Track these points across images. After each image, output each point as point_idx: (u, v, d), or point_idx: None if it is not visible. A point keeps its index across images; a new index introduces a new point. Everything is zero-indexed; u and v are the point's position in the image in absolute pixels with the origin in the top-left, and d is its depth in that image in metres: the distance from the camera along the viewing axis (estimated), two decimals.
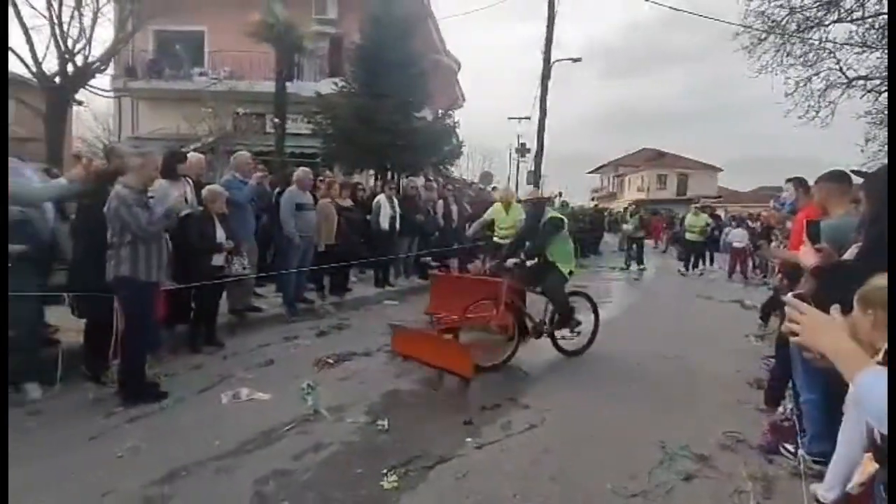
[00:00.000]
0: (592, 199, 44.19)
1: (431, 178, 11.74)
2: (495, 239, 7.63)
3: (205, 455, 3.05)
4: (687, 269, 13.40)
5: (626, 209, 13.59)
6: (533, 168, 16.68)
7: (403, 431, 3.51)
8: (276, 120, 11.50)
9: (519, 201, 8.22)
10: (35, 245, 3.81)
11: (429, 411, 3.94)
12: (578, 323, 5.38)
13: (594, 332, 5.51)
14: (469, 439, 3.44)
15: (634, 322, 7.47)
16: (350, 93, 12.36)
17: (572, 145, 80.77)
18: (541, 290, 5.26)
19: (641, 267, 13.84)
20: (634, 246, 14.10)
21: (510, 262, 5.13)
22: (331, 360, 4.86)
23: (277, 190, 6.95)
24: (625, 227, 13.71)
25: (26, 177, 4.15)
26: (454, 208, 10.12)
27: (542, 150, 15.81)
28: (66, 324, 4.35)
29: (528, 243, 5.30)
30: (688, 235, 13.71)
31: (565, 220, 5.41)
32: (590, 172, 55.46)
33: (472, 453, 3.27)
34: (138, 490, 2.68)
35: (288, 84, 12.65)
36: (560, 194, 17.32)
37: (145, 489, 2.70)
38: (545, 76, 15.29)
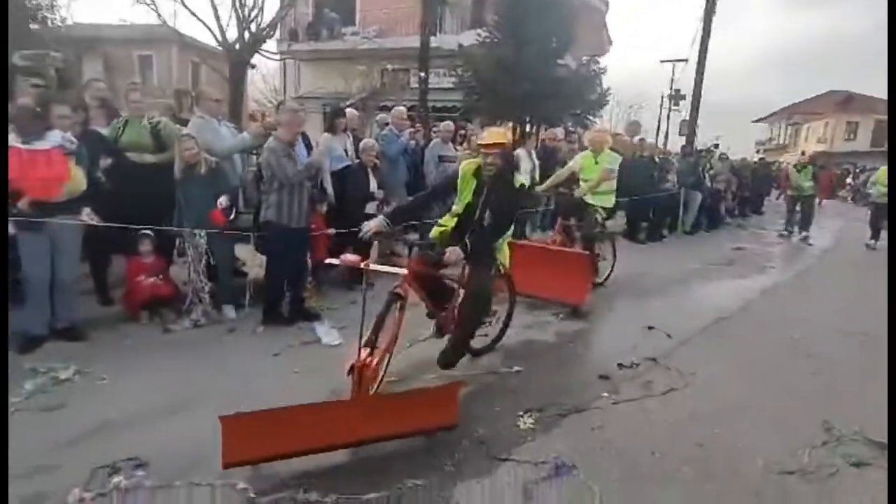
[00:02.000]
0: (758, 152, 38.81)
1: (573, 130, 11.28)
2: (576, 194, 5.81)
3: None
4: (875, 240, 9.87)
5: (797, 163, 11.02)
6: (687, 117, 15.11)
7: (538, 379, 3.61)
8: (421, 74, 11.81)
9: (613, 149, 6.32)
10: (228, 192, 4.51)
11: (563, 363, 3.98)
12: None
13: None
14: (605, 394, 3.43)
15: (812, 292, 6.61)
16: (492, 43, 12.19)
17: (736, 91, 70.74)
18: None
19: (804, 234, 10.46)
20: (801, 206, 10.73)
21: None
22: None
23: (425, 143, 7.26)
24: (793, 181, 10.80)
25: (222, 134, 4.88)
26: None
27: (699, 96, 14.20)
28: (252, 259, 5.11)
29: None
30: (876, 197, 9.95)
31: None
32: (756, 121, 48.53)
33: (609, 408, 3.26)
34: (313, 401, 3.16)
35: (432, 38, 12.84)
36: (716, 146, 15.45)
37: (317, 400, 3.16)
38: (709, 11, 13.51)
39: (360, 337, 2.77)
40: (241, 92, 13.00)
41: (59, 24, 12.67)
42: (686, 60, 20.72)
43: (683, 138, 16.15)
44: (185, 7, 12.62)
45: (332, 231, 5.04)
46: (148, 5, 12.83)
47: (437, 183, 3.87)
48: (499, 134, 3.51)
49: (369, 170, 5.45)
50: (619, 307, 5.43)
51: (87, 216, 3.84)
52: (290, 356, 3.86)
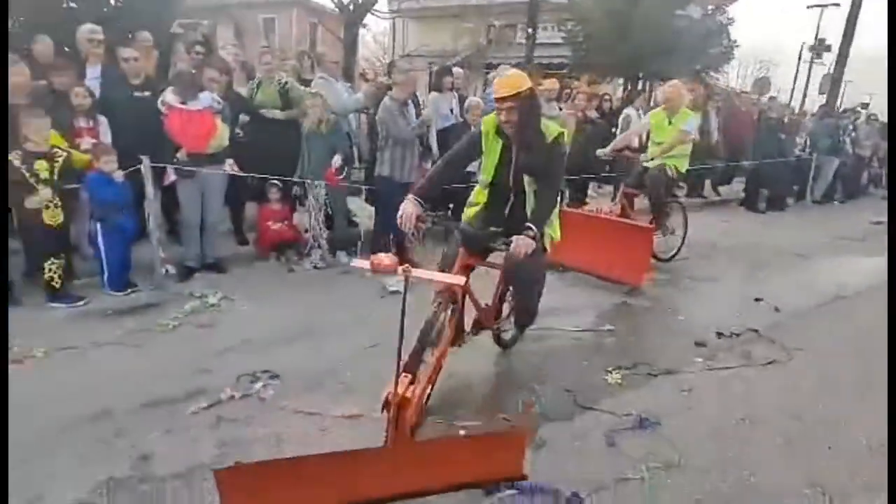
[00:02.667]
0: None
1: (690, 88, 10.44)
2: (641, 158, 5.20)
3: None
4: None
5: None
6: (832, 71, 13.29)
7: (630, 340, 3.67)
8: (529, 30, 11.53)
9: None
10: (344, 147, 4.91)
11: (658, 327, 3.98)
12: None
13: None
14: (699, 360, 3.41)
15: None
16: None
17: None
18: None
19: None
20: None
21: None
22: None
23: None
24: None
25: (340, 93, 5.27)
26: (714, 122, 8.94)
27: (848, 46, 12.40)
28: (362, 211, 5.56)
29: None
30: None
31: None
32: None
33: (702, 374, 3.26)
34: None
35: None
36: (865, 105, 13.43)
37: None
38: None
39: (398, 360, 2.12)
40: (353, 52, 13.55)
41: None
42: (838, 4, 18.02)
43: (823, 97, 14.28)
44: None
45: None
46: None
47: (459, 144, 2.90)
48: (513, 81, 2.57)
49: (473, 129, 5.58)
50: (726, 276, 5.20)
51: (230, 167, 4.43)
52: (395, 298, 4.24)
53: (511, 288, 3.07)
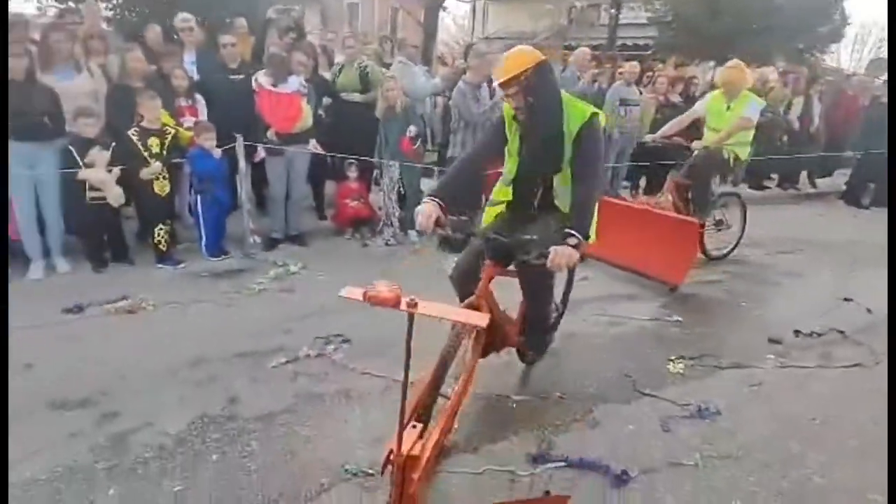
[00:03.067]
0: None
1: (790, 71, 9.67)
2: (694, 146, 4.65)
3: None
4: None
5: None
6: None
7: (697, 331, 3.58)
8: (612, 10, 11.10)
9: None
10: (417, 127, 5.07)
11: (730, 320, 3.85)
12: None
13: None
14: (772, 356, 3.27)
15: None
16: None
17: None
18: None
19: None
20: None
21: None
22: None
23: (607, 85, 7.01)
24: None
25: (418, 77, 5.43)
26: (817, 108, 8.22)
27: None
28: None
29: None
30: None
31: None
32: None
33: (774, 371, 3.13)
34: None
35: None
36: None
37: None
38: None
39: (402, 408, 1.64)
40: (433, 35, 13.69)
41: None
42: None
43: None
44: None
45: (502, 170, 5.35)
46: None
47: (483, 135, 2.60)
48: (512, 61, 2.16)
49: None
50: (814, 273, 4.87)
51: (313, 146, 4.73)
52: None
53: (525, 297, 2.61)
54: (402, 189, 5.10)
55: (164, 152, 4.17)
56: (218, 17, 6.18)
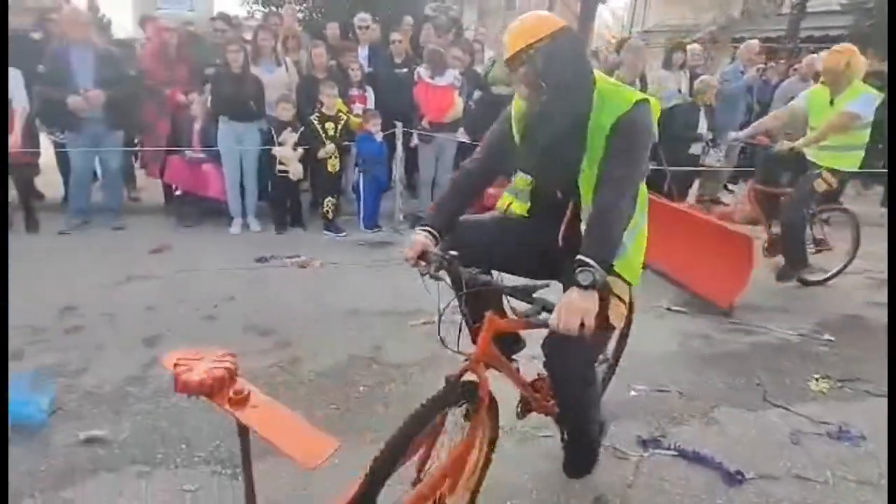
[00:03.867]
0: None
1: None
2: (777, 147, 3.98)
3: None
4: None
5: None
6: None
7: (851, 354, 3.25)
8: None
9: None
10: None
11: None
12: None
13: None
14: None
15: None
16: None
17: None
18: None
19: None
20: None
21: None
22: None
23: (778, 81, 6.43)
24: None
25: None
26: None
27: None
28: None
29: None
30: None
31: None
32: None
33: None
34: None
35: None
36: None
37: None
38: None
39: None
40: (588, 28, 13.45)
41: None
42: None
43: None
44: None
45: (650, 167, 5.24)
46: None
47: (486, 140, 1.86)
48: (526, 28, 1.56)
49: (702, 109, 5.30)
50: None
51: (461, 135, 5.10)
52: None
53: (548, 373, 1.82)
54: None
55: (338, 135, 4.85)
56: (388, 15, 6.85)
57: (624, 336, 2.35)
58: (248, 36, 5.43)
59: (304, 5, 9.93)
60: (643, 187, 1.71)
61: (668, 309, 3.73)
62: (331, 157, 4.84)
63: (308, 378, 2.71)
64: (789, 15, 10.56)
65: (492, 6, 21.18)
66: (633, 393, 2.74)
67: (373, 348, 3.02)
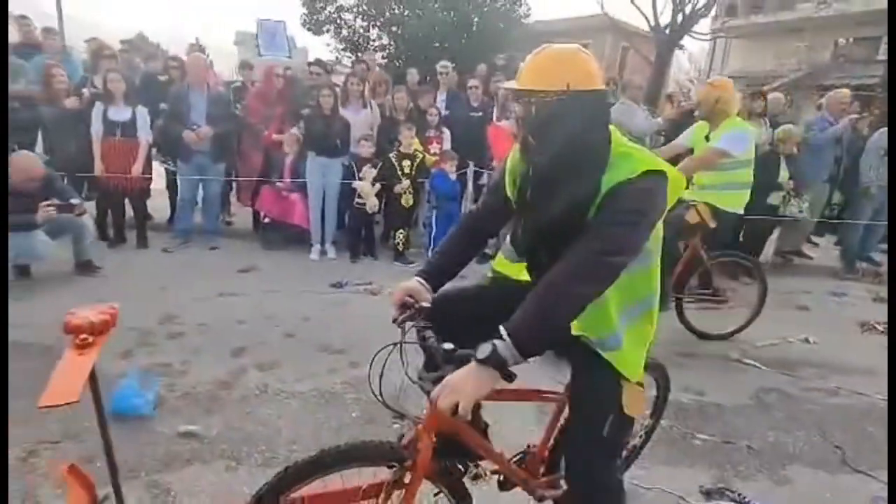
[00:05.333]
0: None
1: None
2: None
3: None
4: None
5: None
6: None
7: None
8: None
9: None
10: None
11: None
12: None
13: None
14: None
15: None
16: None
17: None
18: None
19: None
20: None
21: None
22: (879, 327, 4.36)
23: (871, 131, 6.14)
24: None
25: (638, 117, 5.60)
26: None
27: None
28: None
29: None
30: None
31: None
32: None
33: None
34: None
35: None
36: None
37: None
38: None
39: None
40: (662, 74, 13.42)
41: (523, 20, 14.91)
42: None
43: None
44: None
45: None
46: None
47: (492, 180, 1.59)
48: (546, 66, 1.34)
49: (782, 158, 5.17)
50: None
51: None
52: None
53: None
54: None
55: (413, 172, 5.16)
56: (466, 63, 7.27)
57: (662, 405, 2.10)
58: (339, 80, 5.96)
59: (385, 52, 10.70)
60: (653, 271, 1.45)
61: (740, 361, 3.61)
62: (405, 193, 5.14)
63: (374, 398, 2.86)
64: (887, 61, 10.06)
65: None
66: (697, 441, 2.68)
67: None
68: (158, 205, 5.89)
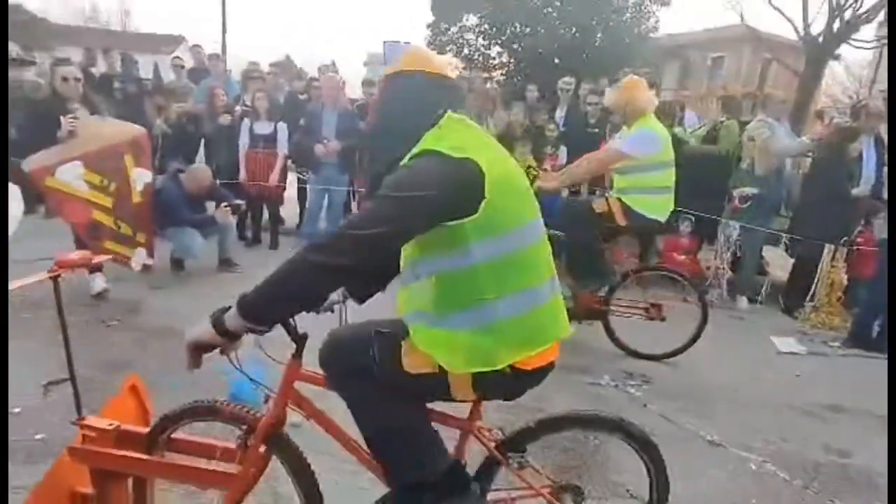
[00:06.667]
0: None
1: None
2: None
3: None
4: None
5: None
6: None
7: None
8: None
9: None
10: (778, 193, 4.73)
11: None
12: None
13: None
14: None
15: None
16: None
17: None
18: None
19: None
20: None
21: None
22: None
23: None
24: None
25: (779, 135, 5.06)
26: None
27: None
28: (777, 260, 5.18)
29: None
30: None
31: None
32: None
33: None
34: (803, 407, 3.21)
35: None
36: None
37: None
38: None
39: None
40: (812, 88, 12.03)
41: (651, 35, 14.12)
42: None
43: None
44: (772, 5, 12.51)
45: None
46: (733, 8, 13.48)
47: None
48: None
49: None
50: None
51: None
52: (787, 360, 3.91)
53: None
54: (737, 251, 4.82)
55: None
56: (588, 79, 7.10)
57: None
58: None
59: (505, 70, 10.83)
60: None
61: None
62: None
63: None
64: None
65: (696, 68, 20.25)
66: None
67: (537, 397, 3.06)
68: (290, 211, 6.46)
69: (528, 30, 10.82)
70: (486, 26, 11.31)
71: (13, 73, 5.81)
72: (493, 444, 1.53)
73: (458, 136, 1.30)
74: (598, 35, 10.73)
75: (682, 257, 5.14)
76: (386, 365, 1.37)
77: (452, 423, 1.51)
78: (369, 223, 1.22)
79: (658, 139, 3.38)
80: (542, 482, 1.56)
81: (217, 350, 1.30)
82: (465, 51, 11.71)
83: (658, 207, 3.43)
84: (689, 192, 5.04)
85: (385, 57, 8.16)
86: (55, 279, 1.52)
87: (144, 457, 1.56)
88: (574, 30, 10.53)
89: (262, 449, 1.52)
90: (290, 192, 6.40)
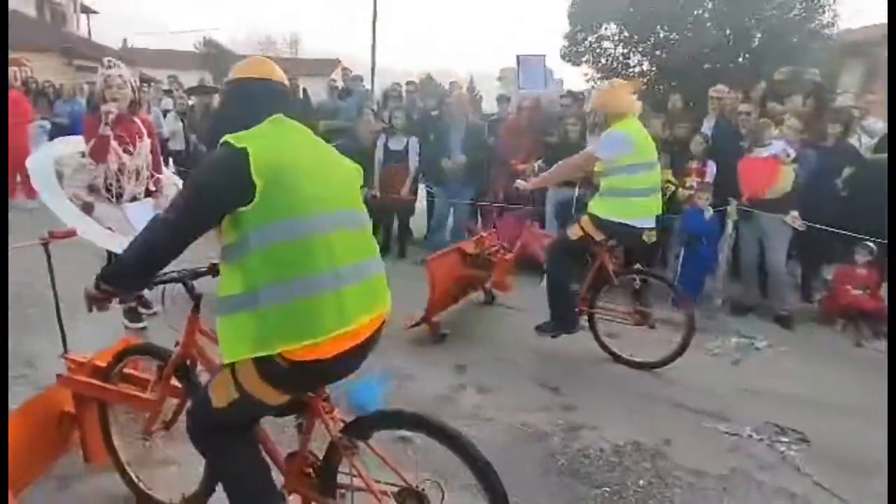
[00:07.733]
0: None
1: None
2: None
3: None
4: None
5: None
6: None
7: None
8: None
9: None
10: None
11: None
12: None
13: None
14: None
15: None
16: None
17: None
18: None
19: None
20: None
21: None
22: None
23: None
24: None
25: None
26: None
27: None
28: None
29: None
30: None
31: None
32: None
33: None
34: None
35: None
36: None
37: None
38: None
39: None
40: None
41: (826, 30, 11.90)
42: None
43: None
44: None
45: None
46: None
47: None
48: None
49: None
50: None
51: (791, 218, 4.25)
52: None
53: None
54: None
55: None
56: (742, 83, 6.36)
57: None
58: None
59: (646, 79, 10.17)
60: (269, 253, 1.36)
61: None
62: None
63: (588, 449, 2.65)
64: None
65: (883, 68, 17.04)
66: None
67: (661, 441, 2.76)
68: (418, 223, 6.68)
69: (675, 35, 10.00)
70: (627, 34, 10.68)
71: (206, 100, 6.85)
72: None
73: (261, 132, 1.42)
74: (758, 36, 9.57)
75: (858, 292, 4.31)
76: (204, 410, 1.53)
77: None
78: (170, 208, 1.44)
79: (629, 141, 3.26)
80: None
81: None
82: (603, 60, 11.18)
83: (639, 211, 3.32)
84: (868, 213, 4.25)
85: (517, 70, 8.12)
86: (45, 246, 2.03)
87: (103, 384, 2.03)
88: (728, 31, 9.51)
89: (173, 381, 1.91)
90: (421, 204, 6.62)
